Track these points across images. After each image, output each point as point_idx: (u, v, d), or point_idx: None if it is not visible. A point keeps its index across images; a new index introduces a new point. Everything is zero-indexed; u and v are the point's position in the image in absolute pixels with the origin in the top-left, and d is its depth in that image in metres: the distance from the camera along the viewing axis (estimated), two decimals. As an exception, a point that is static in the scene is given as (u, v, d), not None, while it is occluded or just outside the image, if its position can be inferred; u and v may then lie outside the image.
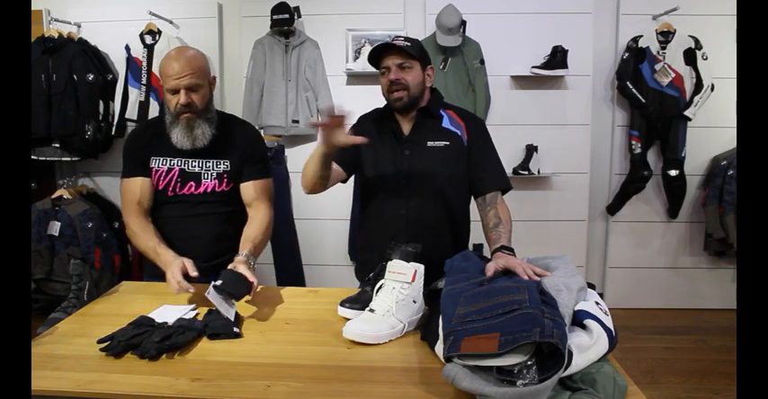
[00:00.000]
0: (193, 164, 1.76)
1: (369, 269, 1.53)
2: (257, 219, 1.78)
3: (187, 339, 1.24)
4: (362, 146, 1.66)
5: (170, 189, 1.76)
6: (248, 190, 1.81)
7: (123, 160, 1.80)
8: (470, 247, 1.92)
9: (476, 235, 1.78)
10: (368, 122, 1.77)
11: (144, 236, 1.70)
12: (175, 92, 1.65)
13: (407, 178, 1.68)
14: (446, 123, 1.72)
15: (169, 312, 1.42)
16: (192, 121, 1.69)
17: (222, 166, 1.78)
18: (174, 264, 1.53)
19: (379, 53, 1.65)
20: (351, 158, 1.70)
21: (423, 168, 1.67)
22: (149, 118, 3.20)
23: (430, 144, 1.68)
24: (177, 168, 1.75)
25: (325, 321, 1.42)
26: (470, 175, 1.71)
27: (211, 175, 1.77)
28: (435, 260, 1.44)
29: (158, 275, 1.70)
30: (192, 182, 1.76)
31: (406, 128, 1.72)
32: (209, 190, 1.77)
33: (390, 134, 1.72)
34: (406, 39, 1.66)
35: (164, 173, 1.75)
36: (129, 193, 1.76)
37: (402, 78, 1.63)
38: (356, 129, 1.75)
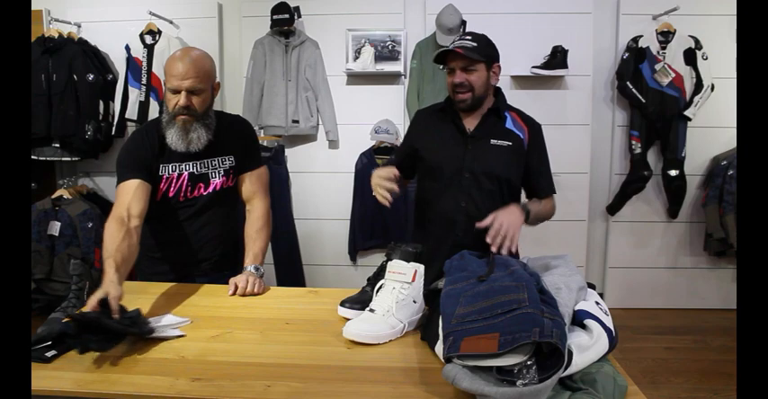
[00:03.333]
0: (202, 165, 1.74)
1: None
2: (253, 217, 1.82)
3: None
4: (423, 137, 1.80)
5: (181, 194, 1.73)
6: (246, 182, 1.82)
7: (121, 165, 1.68)
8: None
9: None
10: (428, 115, 1.85)
11: (106, 244, 1.51)
12: (176, 92, 1.62)
13: (470, 171, 1.71)
14: (509, 124, 1.76)
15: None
16: (188, 124, 1.66)
17: (228, 162, 1.78)
18: (100, 292, 1.29)
19: (444, 57, 1.70)
20: (410, 166, 1.85)
21: (484, 164, 1.71)
22: (149, 118, 3.21)
23: (493, 142, 1.72)
24: (186, 172, 1.72)
25: (325, 321, 1.42)
26: (527, 178, 1.76)
27: (219, 173, 1.77)
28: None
29: (160, 273, 1.76)
30: (201, 184, 1.75)
31: (471, 124, 1.76)
32: (217, 188, 1.77)
33: (454, 128, 1.76)
34: (474, 38, 1.69)
35: (174, 180, 1.72)
36: (120, 197, 1.63)
37: (466, 80, 1.67)
38: (416, 125, 1.86)
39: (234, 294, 1.62)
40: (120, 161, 1.69)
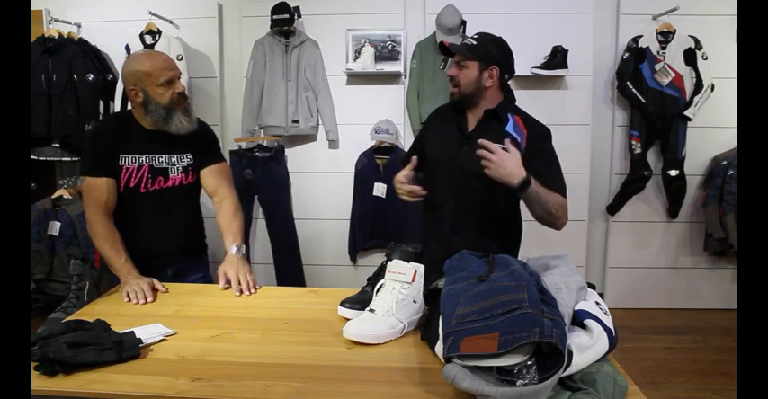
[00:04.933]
0: (161, 159, 1.81)
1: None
2: (225, 206, 1.88)
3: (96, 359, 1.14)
4: (430, 134, 1.86)
5: (142, 185, 1.79)
6: (208, 176, 1.89)
7: (88, 156, 1.80)
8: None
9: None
10: (441, 112, 1.90)
11: (110, 241, 1.73)
12: (169, 82, 1.72)
13: (461, 171, 1.72)
14: (509, 127, 1.75)
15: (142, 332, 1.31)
16: (187, 105, 1.78)
17: (186, 160, 1.85)
18: (145, 280, 1.64)
19: (444, 52, 1.79)
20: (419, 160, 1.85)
21: (477, 166, 1.68)
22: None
23: None
24: (147, 165, 1.79)
25: (325, 321, 1.42)
26: None
27: (177, 169, 1.83)
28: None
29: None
30: (161, 177, 1.81)
31: (471, 124, 1.77)
32: (176, 183, 1.83)
33: (455, 127, 1.78)
34: (478, 38, 1.75)
35: (134, 171, 1.78)
36: (95, 192, 1.75)
37: (456, 75, 1.73)
38: (429, 122, 1.92)
39: (227, 287, 1.66)
40: (89, 152, 1.80)
